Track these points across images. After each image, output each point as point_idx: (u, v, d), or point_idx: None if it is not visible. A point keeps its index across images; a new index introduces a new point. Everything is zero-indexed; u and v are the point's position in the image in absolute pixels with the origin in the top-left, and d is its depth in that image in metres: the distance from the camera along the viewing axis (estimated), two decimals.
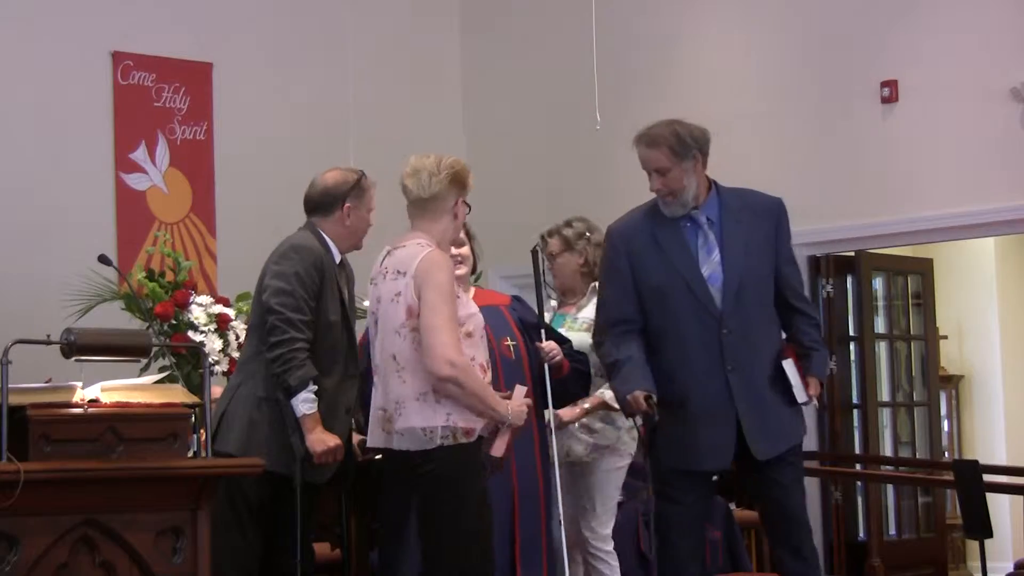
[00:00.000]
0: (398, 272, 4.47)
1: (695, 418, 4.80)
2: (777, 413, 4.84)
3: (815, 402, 5.00)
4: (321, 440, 4.69)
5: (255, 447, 4.70)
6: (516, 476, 4.93)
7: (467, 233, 5.12)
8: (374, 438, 4.59)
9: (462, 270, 5.06)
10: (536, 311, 5.23)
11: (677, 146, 4.85)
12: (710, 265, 4.85)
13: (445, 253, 4.55)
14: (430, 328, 4.35)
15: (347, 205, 4.98)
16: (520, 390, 4.56)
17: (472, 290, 5.16)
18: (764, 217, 4.95)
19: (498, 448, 4.49)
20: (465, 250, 5.10)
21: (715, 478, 5.34)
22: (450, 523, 4.40)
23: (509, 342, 5.03)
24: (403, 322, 4.42)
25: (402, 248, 4.54)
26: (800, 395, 4.85)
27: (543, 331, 5.06)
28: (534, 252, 5.18)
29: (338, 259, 4.97)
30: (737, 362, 4.78)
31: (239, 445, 4.70)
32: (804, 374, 4.88)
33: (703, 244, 4.87)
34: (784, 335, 5.01)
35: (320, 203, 5.00)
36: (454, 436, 4.38)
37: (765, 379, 4.83)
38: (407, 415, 4.42)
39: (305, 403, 4.69)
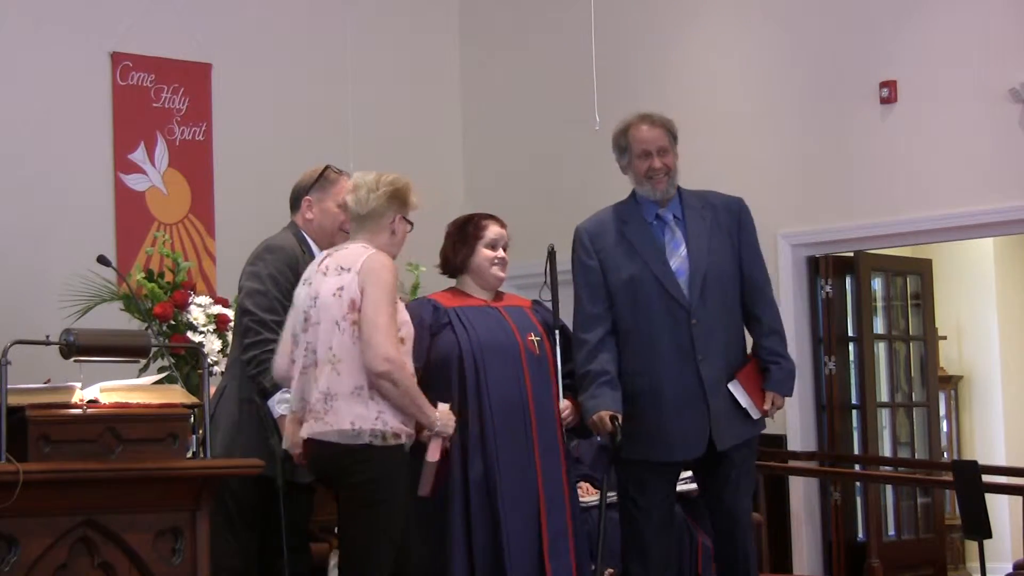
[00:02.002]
0: (341, 268, 4.49)
1: (668, 409, 4.94)
2: (737, 404, 5.02)
3: (771, 416, 5.11)
4: (299, 442, 4.68)
5: (239, 448, 4.70)
6: (541, 474, 4.95)
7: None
8: (303, 429, 4.52)
9: (505, 273, 5.15)
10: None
11: (673, 131, 5.13)
12: (677, 259, 5.01)
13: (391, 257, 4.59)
14: (371, 324, 4.39)
15: (307, 198, 4.99)
16: (444, 406, 4.65)
17: (498, 292, 5.22)
18: (725, 215, 5.11)
19: (432, 453, 4.57)
20: (506, 255, 5.15)
21: (685, 487, 5.42)
22: (368, 524, 4.41)
23: (534, 337, 5.08)
24: (344, 315, 4.43)
25: (345, 249, 4.59)
26: (753, 413, 5.02)
27: (558, 332, 5.10)
28: (551, 252, 5.21)
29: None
30: (706, 352, 4.95)
31: (224, 447, 4.70)
32: (762, 388, 5.04)
33: (670, 240, 5.04)
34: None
35: (292, 201, 5.05)
36: (383, 437, 4.42)
37: (730, 371, 5.00)
38: (338, 408, 4.40)
39: (281, 403, 4.68)
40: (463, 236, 5.12)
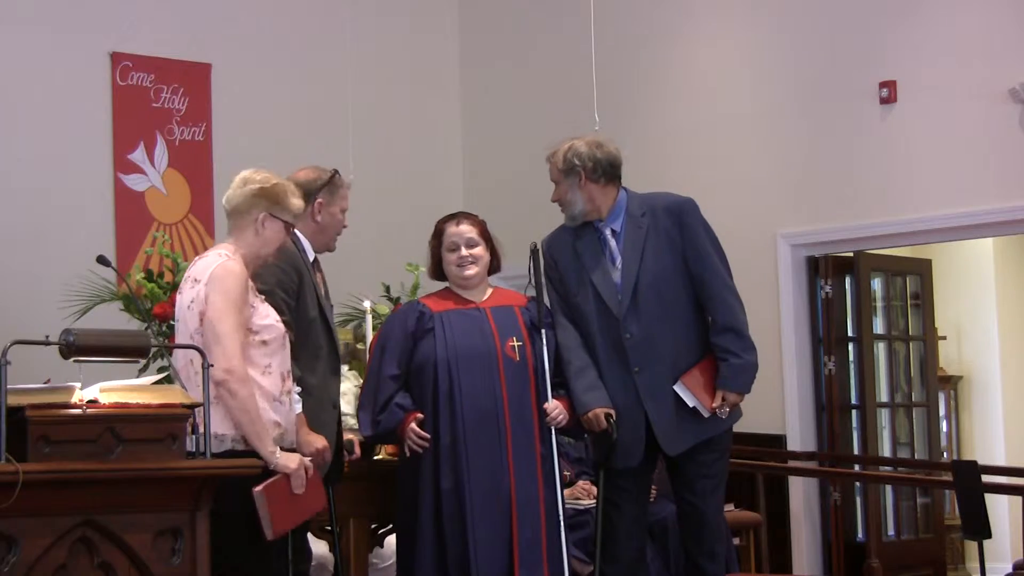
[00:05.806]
0: (195, 280, 4.50)
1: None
2: (687, 409, 5.03)
3: (723, 412, 5.04)
4: (308, 443, 4.68)
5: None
6: (514, 478, 4.94)
7: (483, 234, 5.16)
8: None
9: (472, 270, 5.12)
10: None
11: (561, 163, 5.20)
12: (615, 274, 5.08)
13: (241, 263, 4.50)
14: (211, 334, 4.38)
15: (318, 201, 4.99)
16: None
17: (490, 290, 5.21)
18: (665, 219, 5.11)
19: (262, 484, 4.35)
20: (477, 251, 5.13)
21: (653, 489, 5.46)
22: (233, 525, 4.37)
23: (515, 343, 5.06)
24: (197, 328, 4.45)
25: (204, 257, 4.58)
26: (702, 411, 5.03)
27: (543, 332, 5.09)
28: (533, 251, 5.20)
29: (312, 257, 4.98)
30: (642, 364, 5.02)
31: None
32: (713, 386, 5.03)
33: (609, 255, 5.12)
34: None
35: None
36: (245, 442, 4.39)
37: (673, 377, 5.03)
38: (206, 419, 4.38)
39: (296, 403, 4.68)
40: (430, 248, 5.19)
